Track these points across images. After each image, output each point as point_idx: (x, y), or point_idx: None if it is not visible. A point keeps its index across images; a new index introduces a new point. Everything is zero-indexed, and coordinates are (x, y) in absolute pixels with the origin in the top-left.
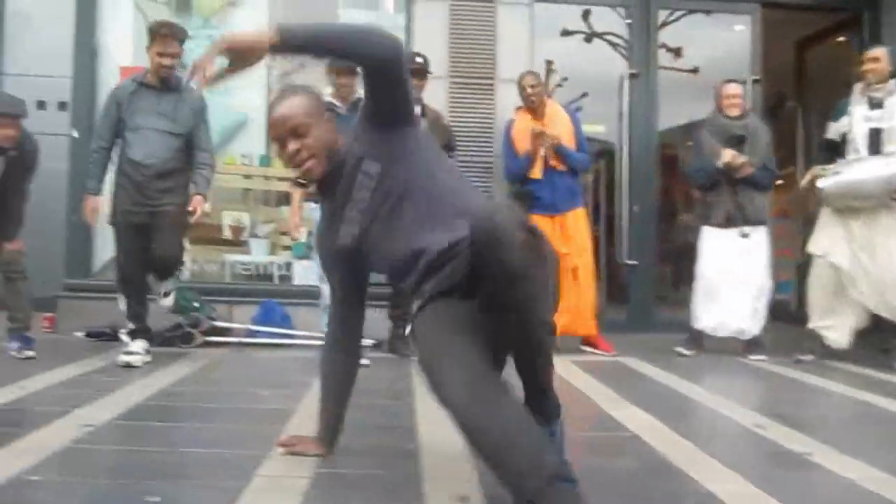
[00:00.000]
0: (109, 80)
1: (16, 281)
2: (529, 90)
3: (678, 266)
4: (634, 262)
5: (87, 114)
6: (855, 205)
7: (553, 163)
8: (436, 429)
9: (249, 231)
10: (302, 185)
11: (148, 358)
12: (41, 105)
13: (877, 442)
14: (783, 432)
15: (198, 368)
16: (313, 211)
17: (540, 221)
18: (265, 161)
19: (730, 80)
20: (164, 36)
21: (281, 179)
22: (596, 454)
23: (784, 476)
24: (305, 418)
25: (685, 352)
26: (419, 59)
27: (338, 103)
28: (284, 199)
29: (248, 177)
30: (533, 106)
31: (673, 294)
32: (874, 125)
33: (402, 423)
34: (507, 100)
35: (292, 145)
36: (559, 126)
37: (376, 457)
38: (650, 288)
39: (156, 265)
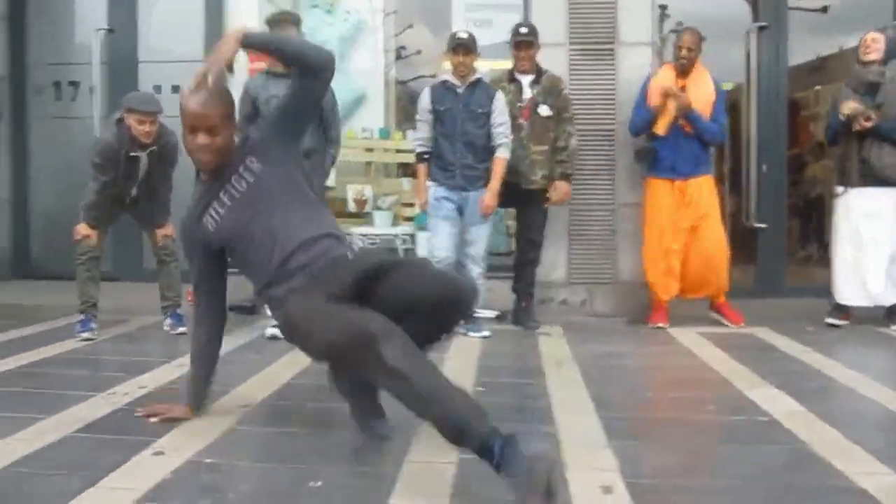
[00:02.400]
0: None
1: (168, 263)
2: (685, 51)
3: (806, 223)
4: (763, 226)
5: None
6: None
7: (682, 123)
8: (570, 413)
9: (372, 203)
10: (425, 161)
11: None
12: (175, 89)
13: None
14: None
15: None
16: (429, 187)
17: (657, 185)
18: (385, 134)
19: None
20: (281, 22)
21: (401, 151)
22: (735, 441)
23: None
24: None
25: (837, 322)
26: (523, 30)
27: (457, 82)
28: (405, 170)
29: (369, 150)
30: (682, 66)
31: (800, 252)
32: None
33: (536, 404)
34: (628, 63)
35: (202, 139)
36: (700, 91)
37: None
38: (781, 252)
39: None
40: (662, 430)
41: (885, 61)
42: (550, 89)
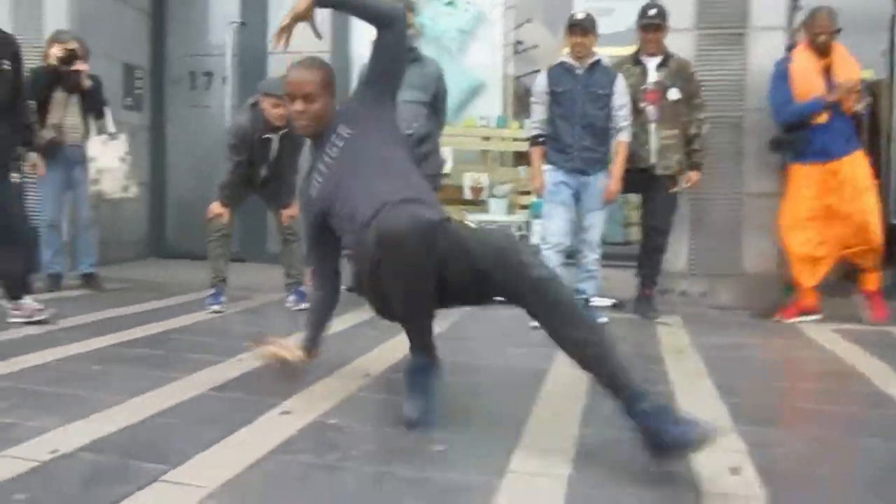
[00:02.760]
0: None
1: (291, 242)
2: (823, 36)
3: None
4: None
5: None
6: None
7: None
8: (694, 398)
9: (488, 191)
10: (540, 144)
11: None
12: None
13: None
14: None
15: (448, 324)
16: (545, 171)
17: (805, 171)
18: (502, 122)
19: None
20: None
21: (517, 140)
22: (871, 435)
23: None
24: (559, 376)
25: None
26: (652, 11)
27: (575, 63)
28: (520, 159)
29: (486, 138)
30: (822, 47)
31: None
32: None
33: (657, 389)
34: (759, 50)
35: (298, 106)
36: (848, 69)
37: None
38: None
39: None
40: (793, 418)
41: None
42: (678, 72)
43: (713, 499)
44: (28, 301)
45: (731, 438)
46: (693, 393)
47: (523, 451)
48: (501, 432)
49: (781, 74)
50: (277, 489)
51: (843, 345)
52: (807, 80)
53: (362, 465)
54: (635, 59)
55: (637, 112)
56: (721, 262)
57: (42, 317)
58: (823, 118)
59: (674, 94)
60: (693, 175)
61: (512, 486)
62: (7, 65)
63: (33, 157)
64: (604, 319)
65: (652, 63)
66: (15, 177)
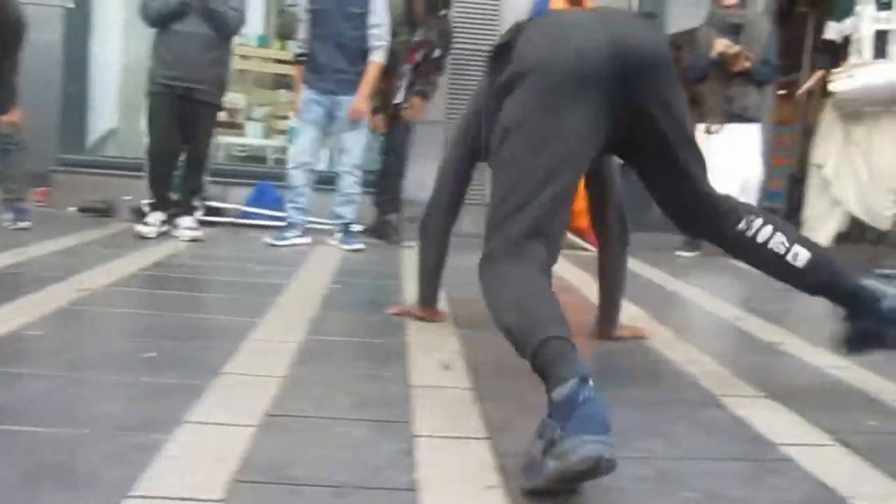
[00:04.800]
0: None
1: (12, 152)
2: None
3: None
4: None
5: None
6: (865, 110)
7: None
8: None
9: (245, 113)
10: (300, 63)
11: (164, 229)
12: None
13: None
14: (759, 324)
15: (192, 244)
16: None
17: None
18: (263, 42)
19: None
20: None
21: (279, 61)
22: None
23: (754, 361)
24: (296, 290)
25: (684, 254)
26: None
27: None
28: (281, 82)
29: (245, 57)
30: None
31: None
32: (882, 26)
33: (391, 299)
34: None
35: None
36: None
37: (365, 327)
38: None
39: None
40: None
41: (743, 4)
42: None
43: (424, 391)
44: None
45: (449, 339)
46: None
47: (242, 356)
48: (222, 341)
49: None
50: None
51: (573, 271)
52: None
53: (60, 370)
54: None
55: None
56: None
57: None
58: None
59: None
60: (415, 100)
61: (223, 384)
62: None
63: None
64: (360, 245)
65: None
66: None
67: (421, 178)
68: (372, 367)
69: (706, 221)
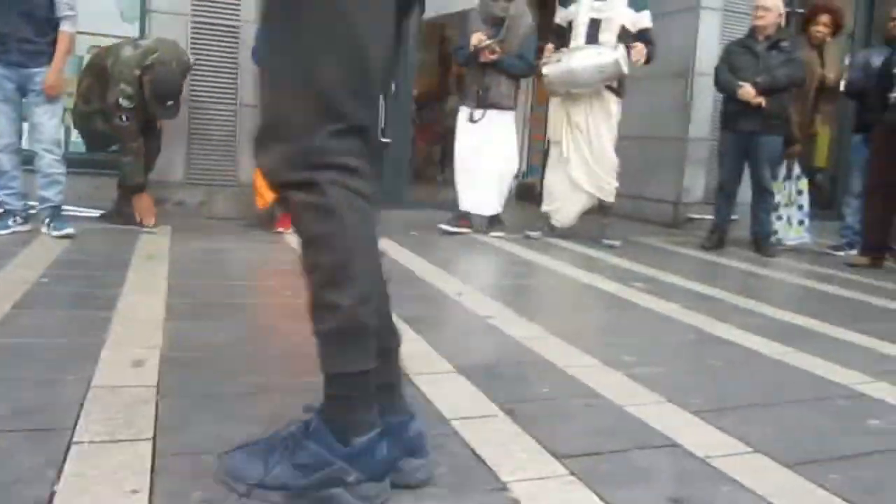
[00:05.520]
0: None
1: None
2: None
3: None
4: (387, 140)
5: None
6: (574, 92)
7: None
8: (141, 297)
9: None
10: None
11: None
12: None
13: (554, 308)
14: (477, 298)
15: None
16: None
17: None
18: None
19: None
20: None
21: None
22: (286, 318)
23: (459, 336)
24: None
25: (452, 229)
26: None
27: None
28: None
29: None
30: None
31: (441, 174)
32: (595, 15)
33: (105, 293)
34: None
35: None
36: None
37: (64, 325)
38: (404, 166)
39: None
40: (225, 311)
41: None
42: None
43: (103, 391)
44: None
45: (153, 335)
46: (140, 294)
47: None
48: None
49: None
50: None
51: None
52: None
53: None
54: None
55: None
56: (217, 172)
57: None
58: None
59: None
60: None
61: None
62: None
63: None
64: (70, 230)
65: None
66: None
67: (170, 158)
68: (53, 370)
69: None
